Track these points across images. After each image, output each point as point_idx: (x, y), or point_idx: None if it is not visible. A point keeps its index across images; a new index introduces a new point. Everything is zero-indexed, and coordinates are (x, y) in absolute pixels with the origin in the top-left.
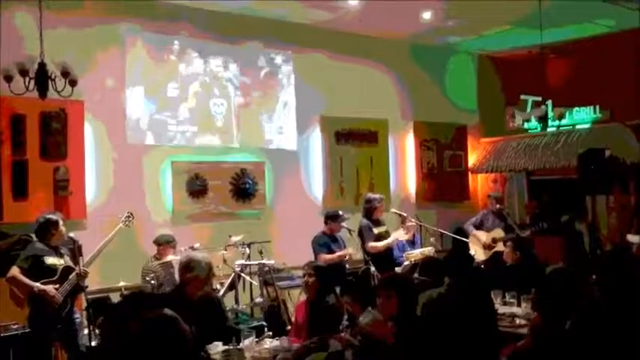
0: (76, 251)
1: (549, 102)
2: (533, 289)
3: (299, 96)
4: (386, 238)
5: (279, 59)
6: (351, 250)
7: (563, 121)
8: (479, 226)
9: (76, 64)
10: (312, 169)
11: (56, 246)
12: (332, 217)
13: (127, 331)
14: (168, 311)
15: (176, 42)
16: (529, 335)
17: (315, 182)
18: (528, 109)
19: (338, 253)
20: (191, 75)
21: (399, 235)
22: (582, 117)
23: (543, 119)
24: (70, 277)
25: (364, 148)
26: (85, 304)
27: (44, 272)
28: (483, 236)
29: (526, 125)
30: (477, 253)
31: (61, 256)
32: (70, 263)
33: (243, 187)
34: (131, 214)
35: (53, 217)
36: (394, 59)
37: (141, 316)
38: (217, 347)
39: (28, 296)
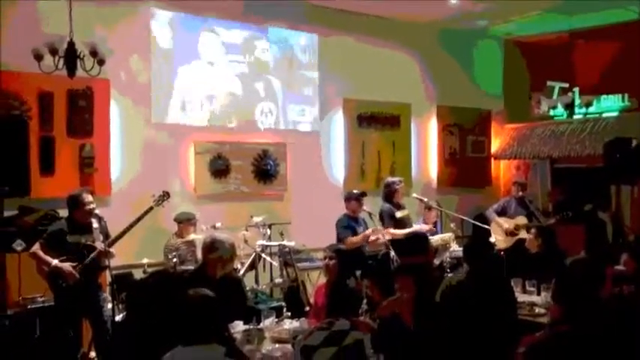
0: (105, 228)
1: (576, 89)
2: (555, 278)
3: (322, 78)
4: (407, 222)
5: (303, 40)
6: (368, 209)
7: (590, 109)
8: (501, 213)
9: (102, 42)
10: (333, 152)
11: (85, 223)
12: (347, 199)
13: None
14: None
15: (201, 21)
16: (548, 327)
17: (337, 165)
18: (555, 96)
19: (362, 234)
20: (215, 55)
21: (420, 228)
22: (610, 105)
23: (570, 106)
24: (92, 255)
25: (386, 131)
26: (109, 280)
27: (65, 249)
28: (506, 223)
29: (552, 112)
30: (499, 240)
31: (89, 232)
32: (99, 240)
33: (265, 168)
34: (166, 193)
35: (77, 193)
36: (420, 42)
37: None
38: (238, 326)
39: (47, 272)
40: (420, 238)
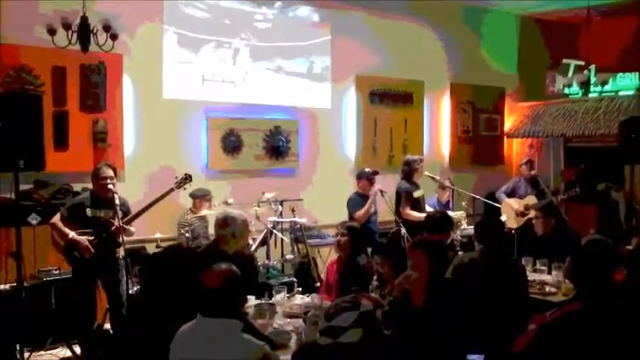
0: (127, 205)
1: (592, 67)
2: (569, 258)
3: (335, 54)
4: (422, 202)
5: (316, 16)
6: (377, 187)
7: (606, 87)
8: (511, 194)
9: (115, 17)
10: (345, 129)
11: (105, 197)
12: (359, 177)
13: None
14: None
15: None
16: (559, 305)
17: (348, 141)
18: (570, 74)
19: (369, 202)
20: (228, 31)
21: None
22: (626, 83)
23: (585, 84)
24: (111, 230)
25: (399, 108)
26: (122, 255)
27: (84, 222)
28: (516, 204)
29: (567, 90)
30: (509, 220)
31: (109, 207)
32: (118, 216)
33: (277, 145)
34: (189, 176)
35: (98, 167)
36: (433, 19)
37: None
38: (250, 301)
39: (64, 244)
40: (448, 217)
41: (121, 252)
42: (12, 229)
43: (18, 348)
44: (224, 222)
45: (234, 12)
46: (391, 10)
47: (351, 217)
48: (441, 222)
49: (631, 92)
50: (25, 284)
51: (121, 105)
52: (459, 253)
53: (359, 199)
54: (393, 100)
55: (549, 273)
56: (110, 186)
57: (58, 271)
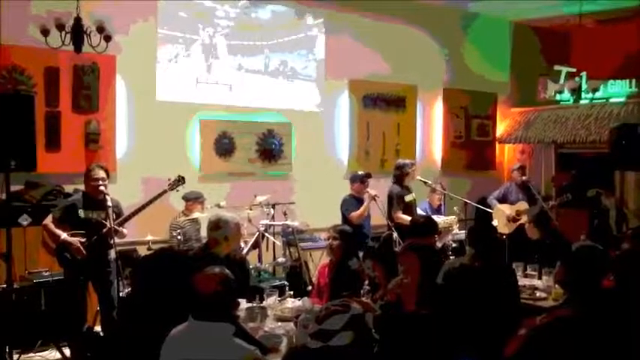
0: (119, 206)
1: (584, 74)
2: (559, 263)
3: (328, 57)
4: (414, 206)
5: (310, 19)
6: (374, 192)
7: (597, 94)
8: (502, 200)
9: (109, 18)
10: (338, 132)
11: (98, 199)
12: (352, 180)
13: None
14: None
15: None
16: (549, 311)
17: (341, 145)
18: (561, 80)
19: (364, 204)
20: (221, 33)
21: None
22: (617, 91)
23: (576, 91)
24: (103, 231)
25: (391, 113)
26: (113, 257)
27: (77, 224)
28: (507, 210)
29: (558, 97)
30: (501, 226)
31: (101, 209)
32: (110, 218)
33: (270, 148)
34: (182, 178)
35: (90, 167)
36: (427, 24)
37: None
38: (241, 304)
39: (56, 245)
40: (432, 221)
41: (113, 254)
42: (2, 229)
43: (7, 350)
44: (216, 225)
45: (227, 14)
46: (385, 14)
47: (345, 218)
48: (424, 226)
49: (621, 99)
50: (14, 286)
51: (113, 106)
52: (451, 257)
53: (353, 201)
54: (386, 105)
55: (540, 278)
56: (102, 187)
57: (48, 273)
